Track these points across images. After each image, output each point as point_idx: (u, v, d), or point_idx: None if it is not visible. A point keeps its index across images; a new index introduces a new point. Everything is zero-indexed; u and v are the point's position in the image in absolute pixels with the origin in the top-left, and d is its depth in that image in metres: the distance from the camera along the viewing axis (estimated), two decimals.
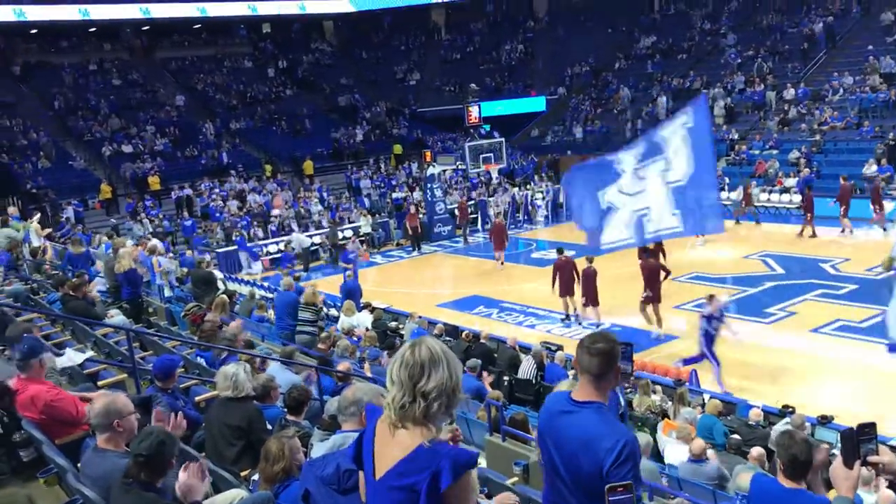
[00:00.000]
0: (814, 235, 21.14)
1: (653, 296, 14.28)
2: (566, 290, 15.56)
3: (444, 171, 30.58)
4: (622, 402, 8.83)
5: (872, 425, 2.66)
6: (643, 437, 7.61)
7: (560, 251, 16.14)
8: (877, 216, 21.04)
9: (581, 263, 15.34)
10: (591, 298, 15.11)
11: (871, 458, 2.66)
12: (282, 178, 31.78)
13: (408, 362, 2.40)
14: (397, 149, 35.90)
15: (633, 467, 2.73)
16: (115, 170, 30.75)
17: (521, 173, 33.02)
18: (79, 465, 4.24)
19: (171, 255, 19.63)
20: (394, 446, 2.37)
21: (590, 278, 15.02)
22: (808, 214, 21.30)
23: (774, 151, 27.48)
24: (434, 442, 2.34)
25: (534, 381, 10.94)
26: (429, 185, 26.96)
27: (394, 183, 31.49)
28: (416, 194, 28.97)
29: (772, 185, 25.48)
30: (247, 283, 19.08)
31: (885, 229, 20.75)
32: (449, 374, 2.38)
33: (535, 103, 39.94)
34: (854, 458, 2.60)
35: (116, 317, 9.72)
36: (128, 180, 30.25)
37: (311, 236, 24.63)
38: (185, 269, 16.73)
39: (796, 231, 21.79)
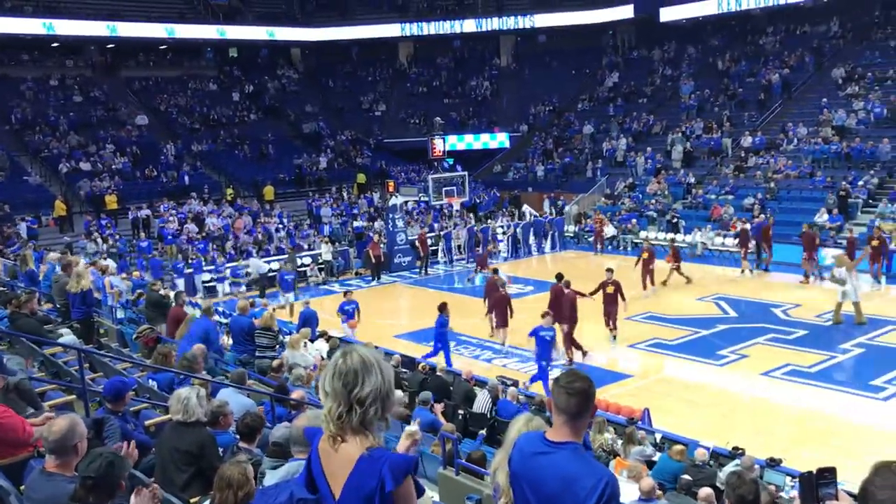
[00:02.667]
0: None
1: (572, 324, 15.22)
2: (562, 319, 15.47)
3: (407, 202, 30.68)
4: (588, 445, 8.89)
5: (833, 470, 2.66)
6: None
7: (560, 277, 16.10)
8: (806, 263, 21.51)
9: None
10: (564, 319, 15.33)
11: (830, 503, 2.66)
12: (242, 203, 31.53)
13: (341, 371, 2.44)
14: (361, 178, 35.93)
15: None
16: (72, 187, 30.24)
17: (484, 208, 33.26)
18: (22, 487, 4.12)
19: (124, 275, 19.34)
20: (339, 463, 2.41)
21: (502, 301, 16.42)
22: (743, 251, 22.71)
23: (730, 197, 28.11)
24: (373, 449, 2.39)
25: (488, 416, 10.93)
26: (390, 216, 27.01)
27: (355, 212, 31.46)
28: (378, 224, 28.98)
29: (726, 230, 26.01)
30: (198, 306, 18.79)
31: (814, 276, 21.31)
32: (382, 379, 2.42)
33: (499, 140, 40.42)
34: (813, 501, 2.63)
35: (67, 336, 9.50)
36: (84, 198, 29.76)
37: (269, 262, 24.43)
38: (139, 292, 16.45)
39: (748, 274, 22.30)
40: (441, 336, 15.17)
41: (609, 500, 2.68)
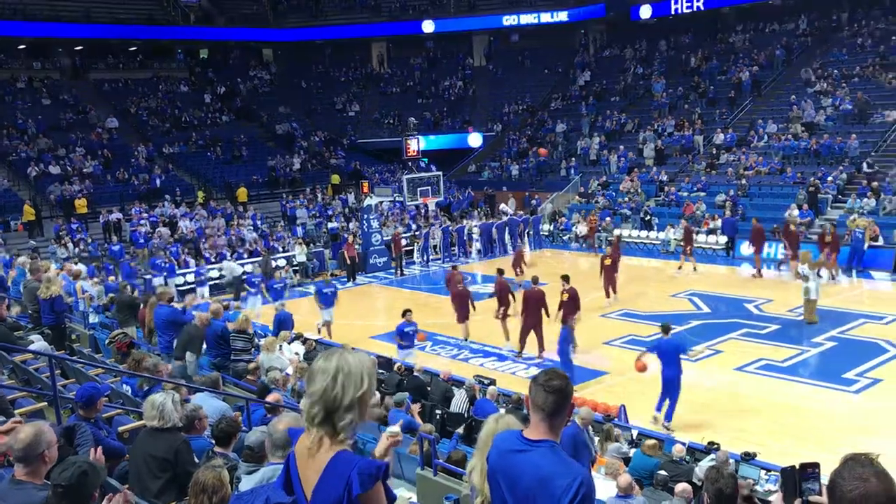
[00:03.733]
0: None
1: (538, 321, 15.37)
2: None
3: (381, 202, 30.61)
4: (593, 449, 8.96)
5: (816, 465, 2.64)
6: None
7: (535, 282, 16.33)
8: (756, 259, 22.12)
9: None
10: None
11: (813, 499, 2.60)
12: (215, 205, 31.27)
13: (323, 373, 2.45)
14: (335, 179, 35.78)
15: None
16: (41, 191, 29.82)
17: (458, 207, 33.28)
18: None
19: (96, 279, 19.11)
20: (313, 466, 2.41)
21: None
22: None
23: (702, 194, 28.36)
24: (343, 453, 2.39)
25: (466, 415, 10.93)
26: (365, 216, 26.94)
27: (330, 213, 31.34)
28: (353, 225, 28.88)
29: (698, 227, 26.25)
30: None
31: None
32: (331, 385, 2.40)
33: (473, 139, 40.48)
34: (794, 495, 2.62)
35: (37, 343, 9.36)
36: (53, 202, 29.36)
37: (243, 264, 24.26)
38: (111, 296, 16.26)
39: (721, 271, 22.53)
40: None
41: (584, 498, 2.69)
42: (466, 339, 17.02)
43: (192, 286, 23.13)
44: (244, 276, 23.50)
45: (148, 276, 22.95)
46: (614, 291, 19.54)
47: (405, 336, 14.80)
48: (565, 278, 16.01)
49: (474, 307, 17.09)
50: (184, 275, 23.69)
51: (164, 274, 23.07)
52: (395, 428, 2.72)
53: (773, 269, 22.42)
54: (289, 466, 2.53)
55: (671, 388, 11.72)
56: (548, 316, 15.36)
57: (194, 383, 8.37)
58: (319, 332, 17.44)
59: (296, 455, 2.50)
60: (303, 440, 2.47)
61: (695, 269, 23.02)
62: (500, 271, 17.60)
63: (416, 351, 15.28)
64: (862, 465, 2.12)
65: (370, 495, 2.34)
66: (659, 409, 11.95)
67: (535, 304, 15.32)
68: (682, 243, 23.75)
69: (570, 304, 15.36)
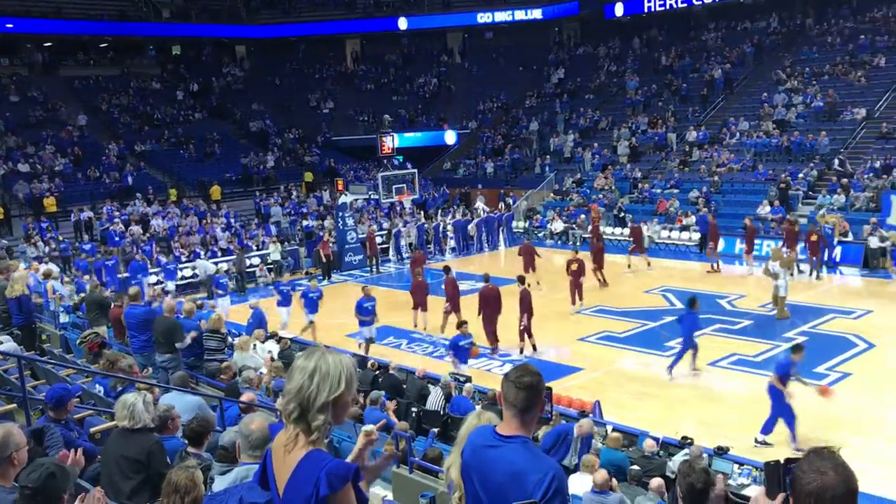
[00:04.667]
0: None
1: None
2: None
3: (356, 199, 30.50)
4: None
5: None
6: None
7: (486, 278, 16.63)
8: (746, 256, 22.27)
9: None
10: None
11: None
12: (188, 203, 30.99)
13: (301, 371, 2.45)
14: (308, 176, 35.60)
15: (563, 501, 2.73)
16: (8, 190, 29.36)
17: (433, 205, 33.26)
18: None
19: (66, 278, 18.87)
20: (286, 463, 2.42)
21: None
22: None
23: (675, 191, 28.58)
24: (314, 452, 2.39)
25: (442, 413, 10.93)
26: (340, 214, 26.82)
27: (304, 210, 31.17)
28: (328, 222, 28.75)
29: (672, 223, 26.45)
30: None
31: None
32: (307, 384, 2.40)
33: (448, 136, 40.48)
34: (778, 489, 2.64)
35: (6, 343, 9.23)
36: (22, 201, 28.92)
37: (216, 263, 24.06)
38: (82, 295, 16.06)
39: (696, 267, 22.70)
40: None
41: (555, 493, 2.71)
42: (424, 330, 17.62)
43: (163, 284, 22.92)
44: (215, 276, 23.30)
45: (122, 276, 22.67)
46: (580, 298, 18.66)
47: (459, 351, 14.01)
48: (521, 279, 16.27)
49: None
50: (157, 273, 23.44)
51: (139, 274, 22.77)
52: (371, 427, 2.72)
53: (737, 265, 22.65)
54: (266, 462, 2.54)
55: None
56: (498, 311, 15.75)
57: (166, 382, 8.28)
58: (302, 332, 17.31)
59: (272, 451, 2.50)
60: (280, 436, 2.48)
61: (648, 265, 23.16)
62: (521, 279, 16.47)
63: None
64: (822, 457, 2.14)
65: (339, 497, 2.32)
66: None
67: (492, 301, 15.66)
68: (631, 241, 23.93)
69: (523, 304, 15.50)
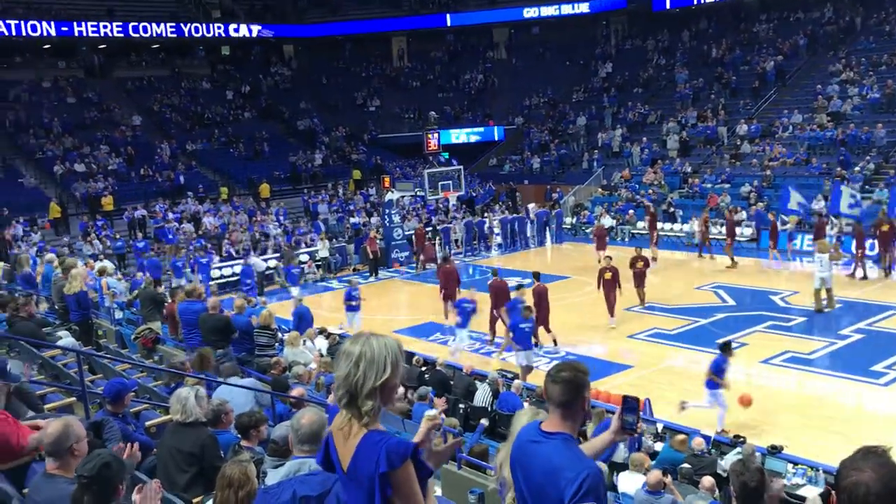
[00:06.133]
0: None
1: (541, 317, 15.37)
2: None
3: (403, 197, 30.63)
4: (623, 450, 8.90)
5: (636, 399, 2.94)
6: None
7: (494, 273, 17.00)
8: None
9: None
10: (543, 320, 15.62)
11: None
12: (237, 201, 31.48)
13: (346, 356, 2.53)
14: (356, 174, 35.87)
15: (595, 500, 2.69)
16: (67, 189, 30.16)
17: (480, 201, 33.25)
18: (25, 491, 4.11)
19: (119, 275, 19.32)
20: (347, 444, 2.52)
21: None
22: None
23: (726, 185, 28.09)
24: (373, 432, 2.47)
25: (489, 409, 10.93)
26: (387, 211, 26.97)
27: (351, 208, 31.42)
28: (374, 219, 28.94)
29: (723, 219, 25.98)
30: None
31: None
32: (353, 370, 2.47)
33: (494, 132, 40.38)
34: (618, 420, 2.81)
35: (65, 339, 9.48)
36: (79, 200, 29.69)
37: (266, 260, 24.39)
38: (136, 292, 16.42)
39: (748, 263, 22.30)
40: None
41: (587, 492, 2.67)
42: (448, 319, 17.56)
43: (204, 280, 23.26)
44: (267, 272, 23.63)
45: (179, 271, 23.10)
46: (643, 296, 17.97)
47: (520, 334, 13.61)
48: (536, 275, 16.49)
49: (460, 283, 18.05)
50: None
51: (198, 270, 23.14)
52: (434, 411, 2.76)
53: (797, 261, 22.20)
54: (328, 444, 2.63)
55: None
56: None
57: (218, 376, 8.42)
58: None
59: (332, 433, 2.60)
60: (337, 419, 2.57)
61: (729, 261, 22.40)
62: (537, 275, 16.68)
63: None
64: (866, 456, 2.12)
65: (399, 473, 2.41)
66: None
67: (501, 295, 15.95)
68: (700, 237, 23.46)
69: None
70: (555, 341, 15.63)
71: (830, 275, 16.74)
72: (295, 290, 20.32)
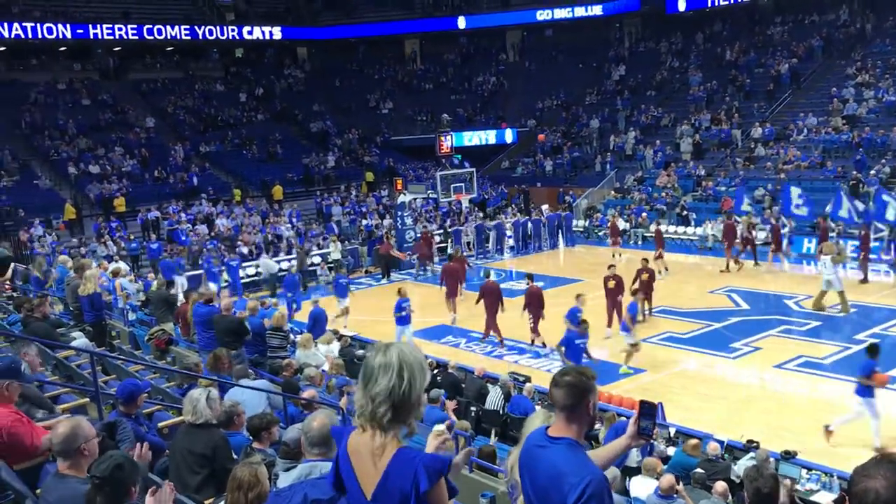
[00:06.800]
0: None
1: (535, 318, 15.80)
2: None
3: (415, 199, 30.65)
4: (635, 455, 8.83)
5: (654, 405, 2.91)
6: (611, 471, 7.58)
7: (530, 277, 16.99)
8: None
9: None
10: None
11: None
12: (250, 203, 31.58)
13: (366, 365, 2.45)
14: (369, 176, 35.94)
15: None
16: (81, 190, 30.35)
17: (493, 204, 33.22)
18: (38, 491, 4.13)
19: (132, 276, 19.42)
20: (370, 462, 2.40)
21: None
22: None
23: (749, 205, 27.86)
24: (405, 449, 2.38)
25: (501, 412, 10.90)
26: (399, 213, 26.97)
27: (364, 210, 31.46)
28: (387, 222, 28.95)
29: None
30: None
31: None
32: (398, 381, 2.37)
33: (506, 135, 40.36)
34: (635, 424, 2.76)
35: (79, 339, 9.53)
36: (93, 201, 29.87)
37: (279, 262, 24.45)
38: (148, 292, 16.50)
39: (761, 266, 22.21)
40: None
41: (590, 498, 2.64)
42: (453, 314, 18.46)
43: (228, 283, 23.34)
44: (280, 273, 23.66)
45: (192, 273, 23.21)
46: (613, 320, 16.34)
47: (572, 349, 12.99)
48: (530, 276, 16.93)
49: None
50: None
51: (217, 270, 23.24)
52: (441, 427, 2.69)
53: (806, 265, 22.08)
54: (339, 466, 2.53)
55: None
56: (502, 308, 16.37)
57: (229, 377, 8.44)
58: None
59: (348, 451, 2.48)
60: (356, 439, 2.46)
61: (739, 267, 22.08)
62: (531, 276, 17.17)
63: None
64: (879, 463, 2.11)
65: (436, 491, 2.34)
66: None
67: (493, 296, 16.38)
68: (723, 241, 23.26)
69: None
70: (543, 343, 15.78)
71: (837, 277, 16.68)
72: (345, 302, 19.03)
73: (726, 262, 22.26)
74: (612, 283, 16.46)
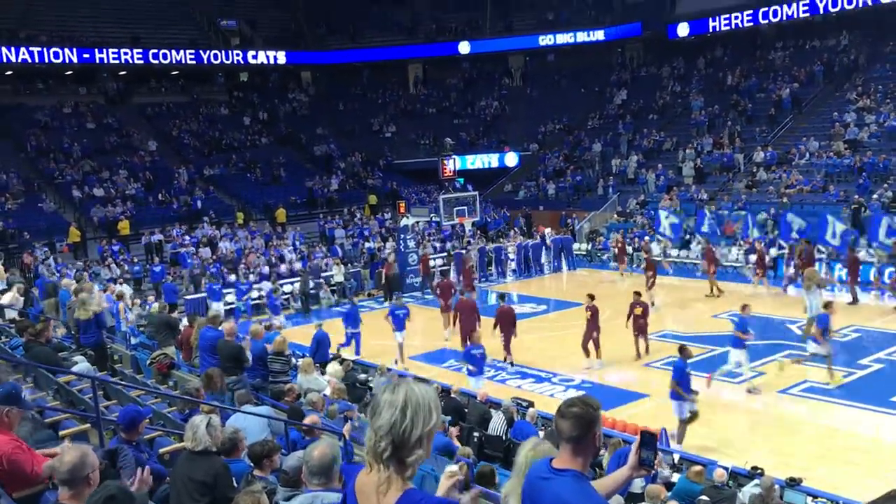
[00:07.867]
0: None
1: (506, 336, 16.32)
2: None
3: (418, 222, 30.69)
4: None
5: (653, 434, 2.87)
6: (615, 499, 7.52)
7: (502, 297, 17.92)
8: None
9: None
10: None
11: None
12: (254, 226, 31.64)
13: (374, 400, 2.42)
14: (372, 199, 36.05)
15: None
16: (85, 213, 30.44)
17: (495, 227, 33.26)
18: None
19: (135, 300, 19.43)
20: (375, 499, 2.35)
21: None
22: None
23: (742, 213, 27.92)
24: (411, 492, 2.33)
25: (504, 438, 10.84)
26: (402, 237, 27.01)
27: (367, 233, 31.51)
28: (389, 245, 29.00)
29: (740, 246, 25.86)
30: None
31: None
32: (401, 418, 2.32)
33: (509, 159, 40.48)
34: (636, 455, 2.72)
35: (80, 364, 9.51)
36: (97, 224, 29.94)
37: (282, 285, 24.45)
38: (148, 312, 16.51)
39: (764, 291, 22.16)
40: None
41: None
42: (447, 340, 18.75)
43: (232, 305, 23.32)
44: (283, 296, 23.67)
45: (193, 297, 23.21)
46: (595, 349, 16.21)
47: (474, 360, 14.49)
48: (501, 296, 17.83)
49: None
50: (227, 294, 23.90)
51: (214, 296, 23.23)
52: (455, 467, 2.62)
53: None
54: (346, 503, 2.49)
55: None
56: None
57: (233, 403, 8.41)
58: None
59: (356, 493, 2.44)
60: (364, 477, 2.42)
61: (719, 292, 22.22)
62: (502, 296, 18.47)
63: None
64: (888, 501, 2.07)
65: None
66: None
67: (507, 319, 16.50)
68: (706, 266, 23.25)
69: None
70: (511, 363, 16.34)
71: (813, 303, 16.60)
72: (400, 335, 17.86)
73: (710, 286, 22.43)
74: (638, 310, 16.35)
